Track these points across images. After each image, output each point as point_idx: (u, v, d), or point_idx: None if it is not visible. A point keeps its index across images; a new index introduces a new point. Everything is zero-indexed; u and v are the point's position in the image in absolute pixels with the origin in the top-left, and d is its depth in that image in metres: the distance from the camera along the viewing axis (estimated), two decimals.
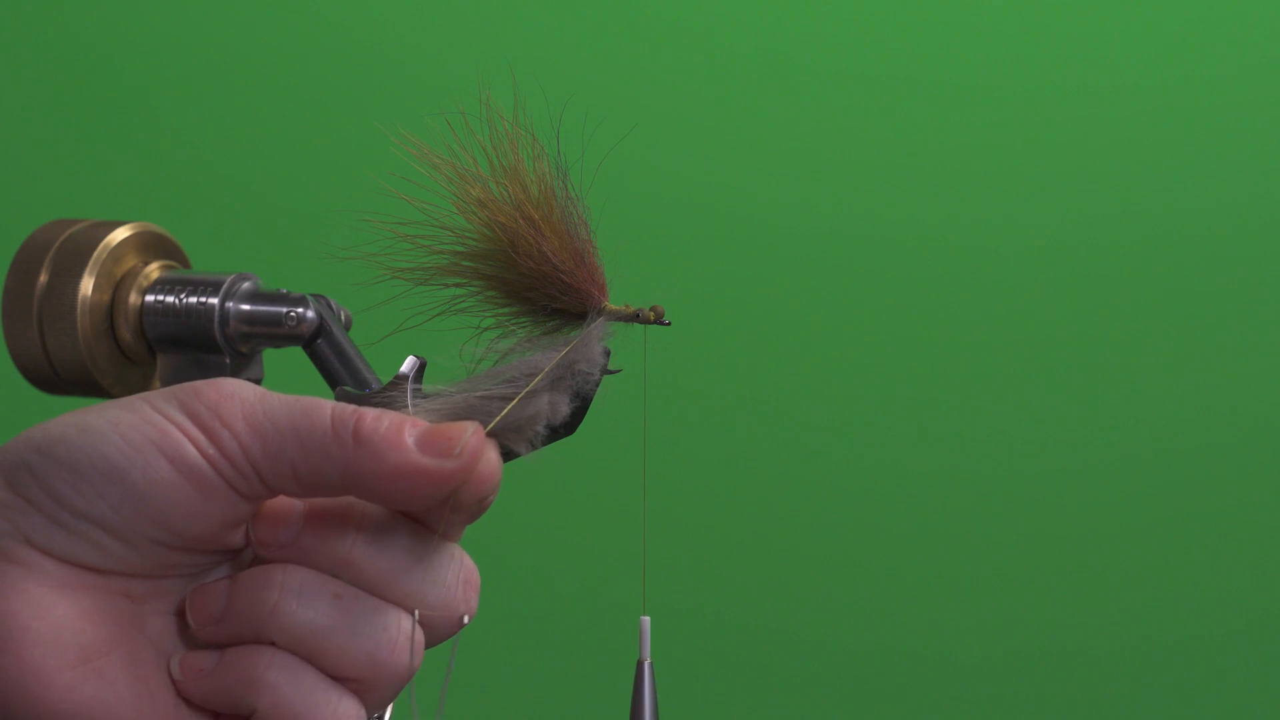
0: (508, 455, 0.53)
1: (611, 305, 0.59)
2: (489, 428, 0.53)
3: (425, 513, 0.53)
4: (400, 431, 0.50)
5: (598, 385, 0.60)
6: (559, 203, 0.58)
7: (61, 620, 0.50)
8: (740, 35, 1.48)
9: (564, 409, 0.56)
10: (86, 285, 0.78)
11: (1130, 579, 1.48)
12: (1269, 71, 1.47)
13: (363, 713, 0.52)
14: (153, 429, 0.50)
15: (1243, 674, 1.48)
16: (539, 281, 0.58)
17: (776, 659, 1.50)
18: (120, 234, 0.80)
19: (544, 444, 0.64)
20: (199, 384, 0.52)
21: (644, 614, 0.65)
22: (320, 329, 0.77)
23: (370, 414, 0.51)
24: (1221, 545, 1.48)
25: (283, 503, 0.53)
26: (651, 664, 0.65)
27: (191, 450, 0.50)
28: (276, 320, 0.77)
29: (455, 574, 0.53)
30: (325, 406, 0.51)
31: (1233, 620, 1.48)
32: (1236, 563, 1.48)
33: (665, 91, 1.48)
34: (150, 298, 0.79)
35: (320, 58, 1.49)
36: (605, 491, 1.49)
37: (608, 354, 0.59)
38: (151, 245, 0.81)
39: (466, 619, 0.54)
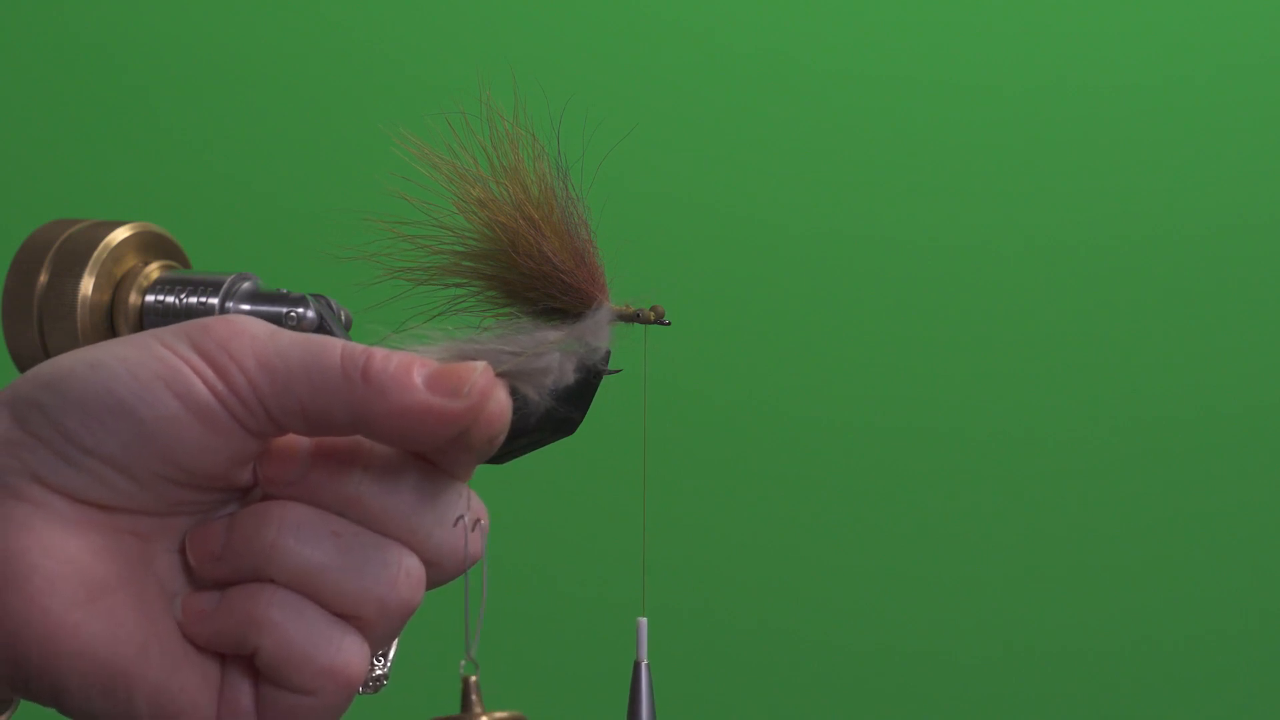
0: (515, 408, 0.53)
1: (612, 305, 0.59)
2: (499, 369, 0.53)
3: (435, 453, 0.53)
4: (409, 371, 0.50)
5: (598, 383, 0.60)
6: (559, 203, 0.58)
7: (70, 558, 0.50)
8: (740, 35, 1.48)
9: (570, 373, 0.56)
10: (86, 285, 0.78)
11: (1130, 579, 1.48)
12: (1269, 71, 1.47)
13: (366, 650, 0.52)
14: (161, 365, 0.50)
15: (1243, 674, 1.48)
16: (539, 281, 0.58)
17: (776, 659, 1.50)
18: (120, 234, 0.80)
19: (548, 441, 0.64)
20: (209, 320, 0.51)
21: (642, 614, 0.65)
22: (320, 329, 0.77)
23: (379, 353, 0.50)
24: (1221, 545, 1.48)
25: (290, 440, 0.52)
26: (649, 665, 0.65)
27: (200, 386, 0.50)
28: (277, 320, 0.77)
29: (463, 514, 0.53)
30: (335, 345, 0.51)
31: (1233, 620, 1.48)
32: (1236, 563, 1.48)
33: (665, 91, 1.48)
34: (150, 298, 0.79)
35: (320, 58, 1.49)
36: (605, 491, 1.49)
37: (608, 354, 0.59)
38: (151, 245, 0.81)
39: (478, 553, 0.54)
